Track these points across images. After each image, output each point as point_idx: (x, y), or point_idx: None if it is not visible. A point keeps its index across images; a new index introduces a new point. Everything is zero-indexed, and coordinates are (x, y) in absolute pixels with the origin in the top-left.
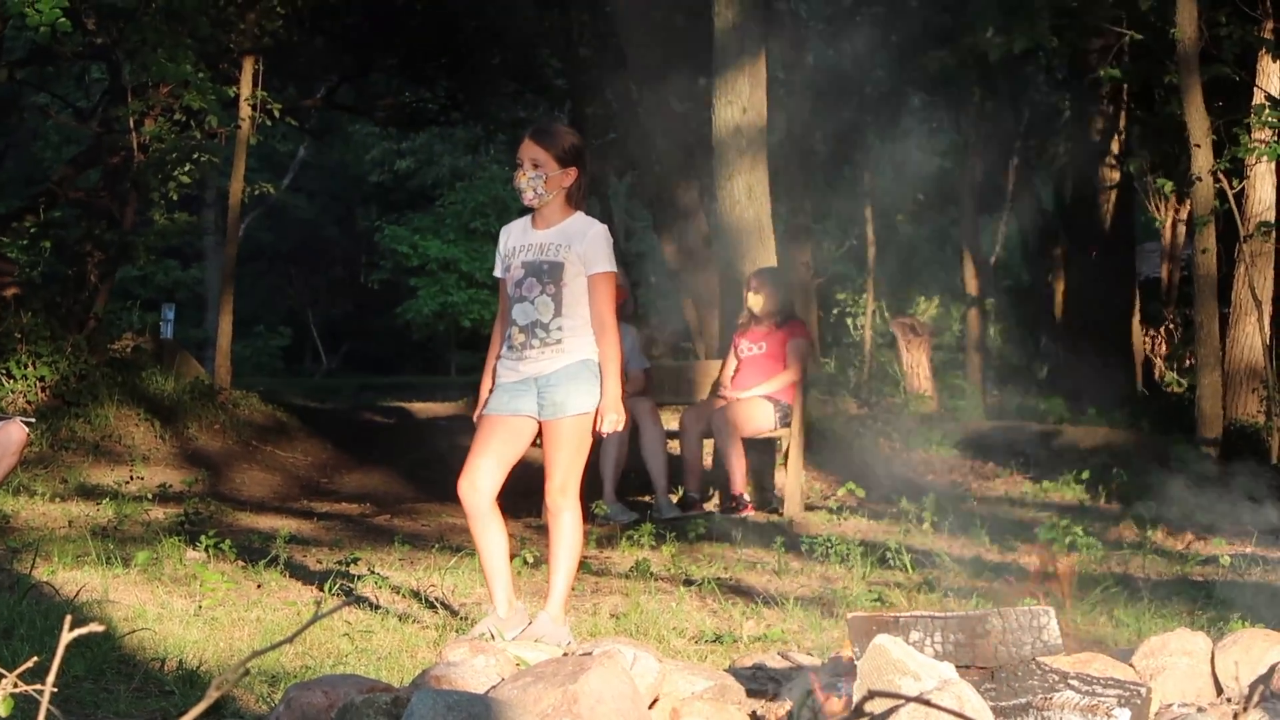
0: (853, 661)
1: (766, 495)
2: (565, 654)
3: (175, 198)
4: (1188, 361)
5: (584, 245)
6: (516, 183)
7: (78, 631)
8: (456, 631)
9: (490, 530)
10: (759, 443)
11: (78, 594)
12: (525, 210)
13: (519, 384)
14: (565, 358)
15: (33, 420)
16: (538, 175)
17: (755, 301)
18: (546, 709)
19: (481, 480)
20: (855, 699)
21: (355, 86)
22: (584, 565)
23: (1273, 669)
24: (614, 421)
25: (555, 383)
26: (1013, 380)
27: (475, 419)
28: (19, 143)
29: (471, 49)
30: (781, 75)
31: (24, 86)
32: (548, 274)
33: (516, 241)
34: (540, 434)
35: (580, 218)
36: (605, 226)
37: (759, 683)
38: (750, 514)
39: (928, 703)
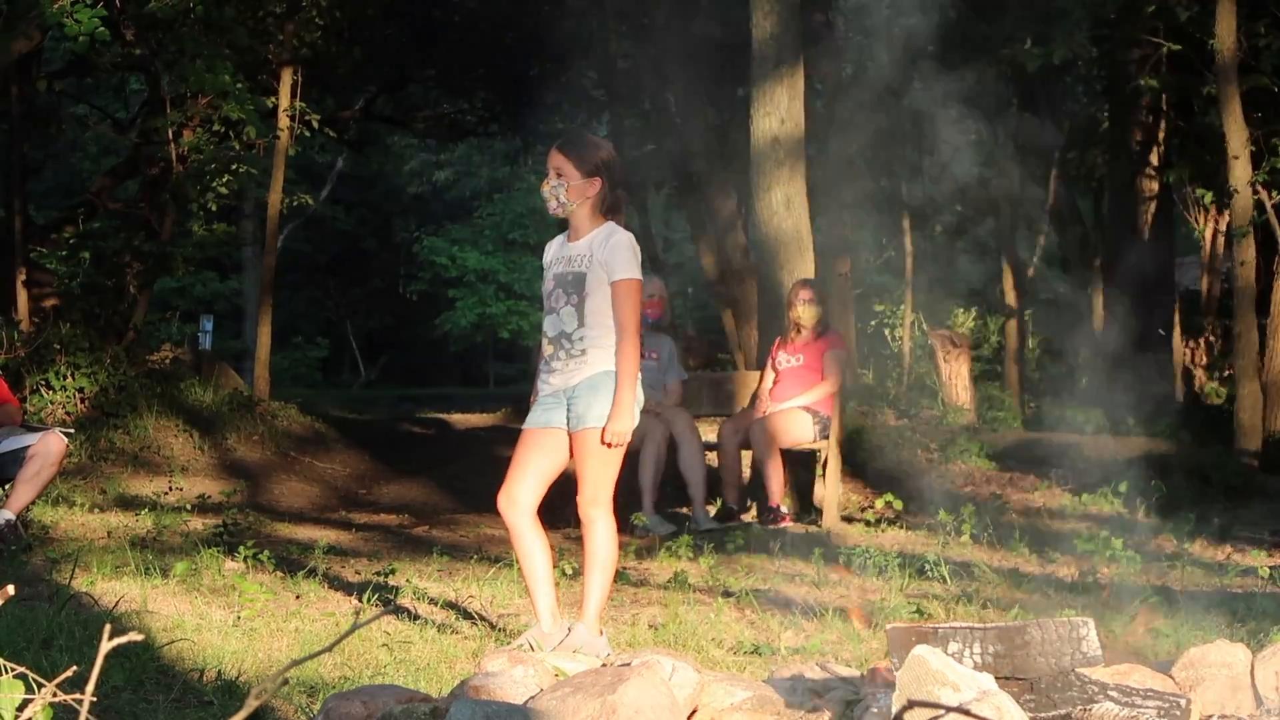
0: (891, 672)
1: (805, 506)
2: (604, 665)
3: (214, 209)
4: (1227, 372)
5: (605, 253)
6: (542, 191)
7: (116, 641)
8: (495, 642)
9: (531, 544)
10: (797, 454)
11: (117, 604)
12: (564, 224)
13: (551, 396)
14: (588, 369)
15: (71, 431)
16: (560, 184)
17: (808, 313)
18: (585, 719)
19: (520, 494)
20: (895, 709)
21: (394, 97)
22: (623, 576)
23: None
24: (620, 433)
25: (578, 394)
26: (1051, 392)
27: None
28: (58, 154)
29: (510, 60)
30: (819, 86)
31: (63, 97)
32: (572, 285)
33: (553, 255)
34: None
35: (607, 227)
36: (630, 235)
37: (798, 694)
38: (788, 525)
39: (967, 713)
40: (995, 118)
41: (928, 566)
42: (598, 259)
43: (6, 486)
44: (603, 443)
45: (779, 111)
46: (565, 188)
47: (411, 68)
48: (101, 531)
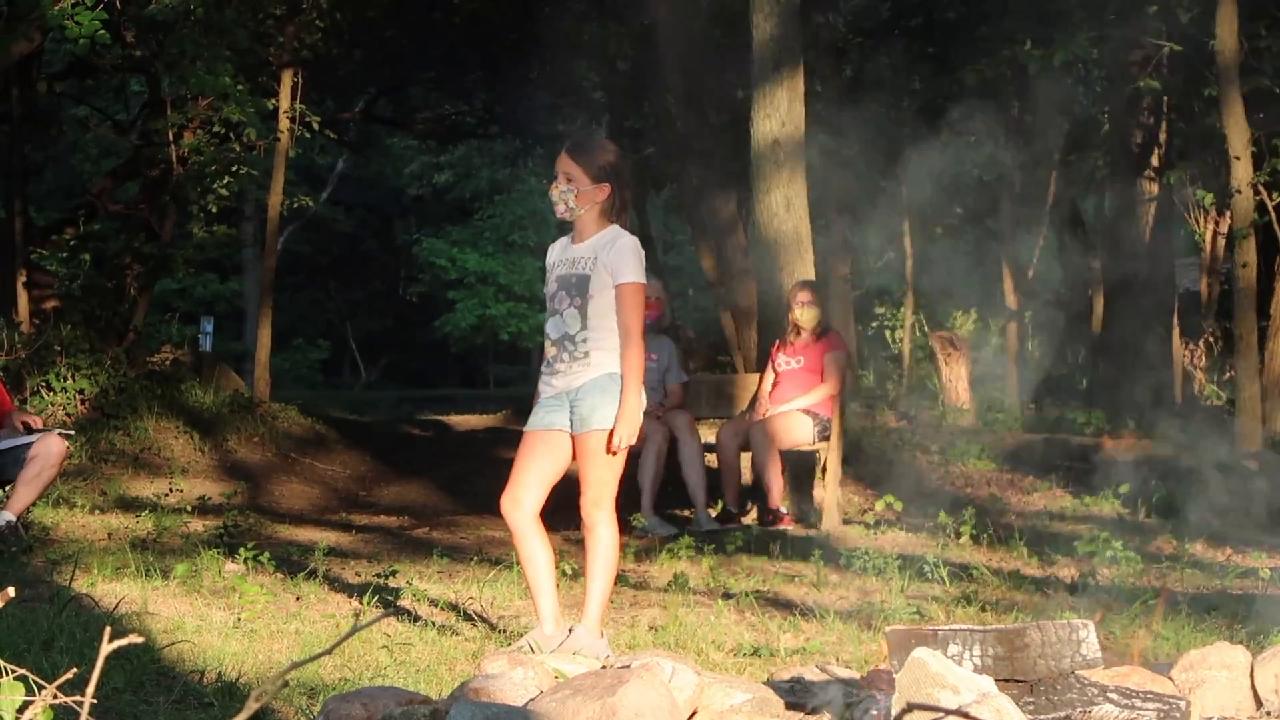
0: (891, 674)
1: (805, 509)
2: (604, 667)
3: (214, 210)
4: (1227, 374)
5: (610, 255)
6: (550, 195)
7: (117, 643)
8: (495, 644)
9: (534, 547)
10: (797, 456)
11: (117, 606)
12: (565, 225)
13: (554, 399)
14: (592, 371)
15: (71, 433)
16: (569, 189)
17: (806, 315)
18: None
19: (523, 497)
20: (894, 711)
21: (394, 99)
22: (622, 578)
23: None
24: (626, 437)
25: (582, 396)
26: (1051, 393)
27: None
28: (58, 156)
29: (510, 62)
30: (820, 88)
31: (63, 99)
32: (575, 287)
33: (557, 257)
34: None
35: (611, 229)
36: (635, 238)
37: (797, 695)
38: (788, 527)
39: (966, 715)
40: (995, 119)
41: (927, 568)
42: (602, 262)
43: (7, 488)
44: (608, 448)
45: (779, 114)
46: (574, 193)
47: (412, 69)
48: (102, 533)
